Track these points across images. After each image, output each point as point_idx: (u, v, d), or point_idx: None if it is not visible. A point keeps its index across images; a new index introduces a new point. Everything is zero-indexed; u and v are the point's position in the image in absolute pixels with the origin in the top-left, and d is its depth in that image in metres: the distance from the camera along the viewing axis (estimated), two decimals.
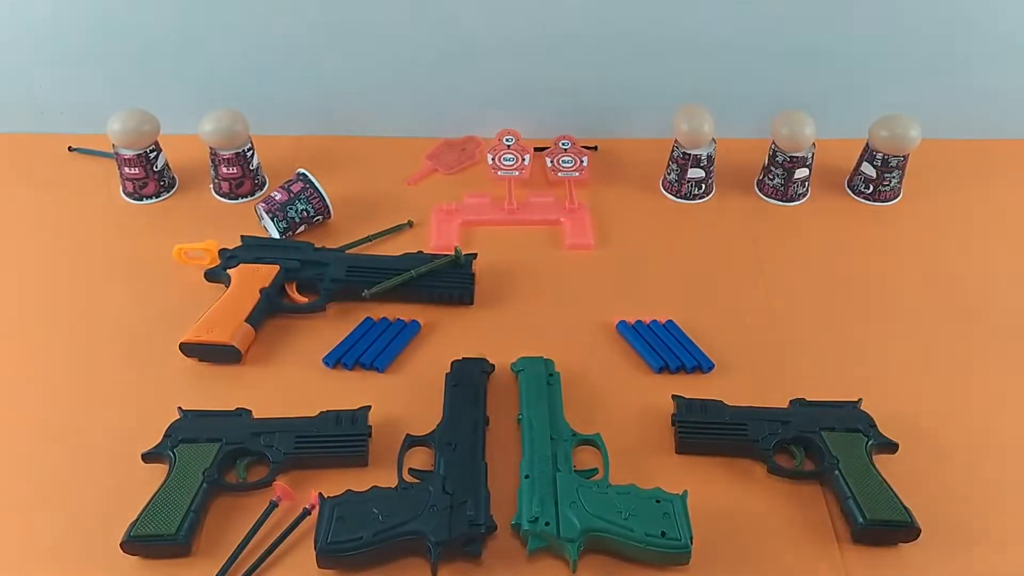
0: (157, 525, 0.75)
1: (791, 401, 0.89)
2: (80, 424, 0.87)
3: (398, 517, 0.75)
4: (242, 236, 1.06)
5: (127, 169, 1.15)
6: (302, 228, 1.12)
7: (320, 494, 0.77)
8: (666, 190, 1.22)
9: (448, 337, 0.98)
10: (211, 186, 1.20)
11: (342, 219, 1.14)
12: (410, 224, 1.14)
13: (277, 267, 1.02)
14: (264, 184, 1.20)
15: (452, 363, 0.92)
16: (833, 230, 1.16)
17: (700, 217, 1.18)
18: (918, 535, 0.77)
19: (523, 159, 1.23)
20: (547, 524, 0.75)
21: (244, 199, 1.18)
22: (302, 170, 1.12)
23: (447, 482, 0.78)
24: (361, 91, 1.27)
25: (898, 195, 1.22)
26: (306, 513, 0.77)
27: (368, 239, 1.11)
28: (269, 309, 0.99)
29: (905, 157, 1.18)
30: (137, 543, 0.74)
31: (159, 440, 0.83)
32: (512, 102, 1.29)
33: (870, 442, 0.84)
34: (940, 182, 1.24)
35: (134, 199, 1.17)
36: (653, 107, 1.27)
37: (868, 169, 1.20)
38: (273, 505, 0.78)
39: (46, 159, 1.24)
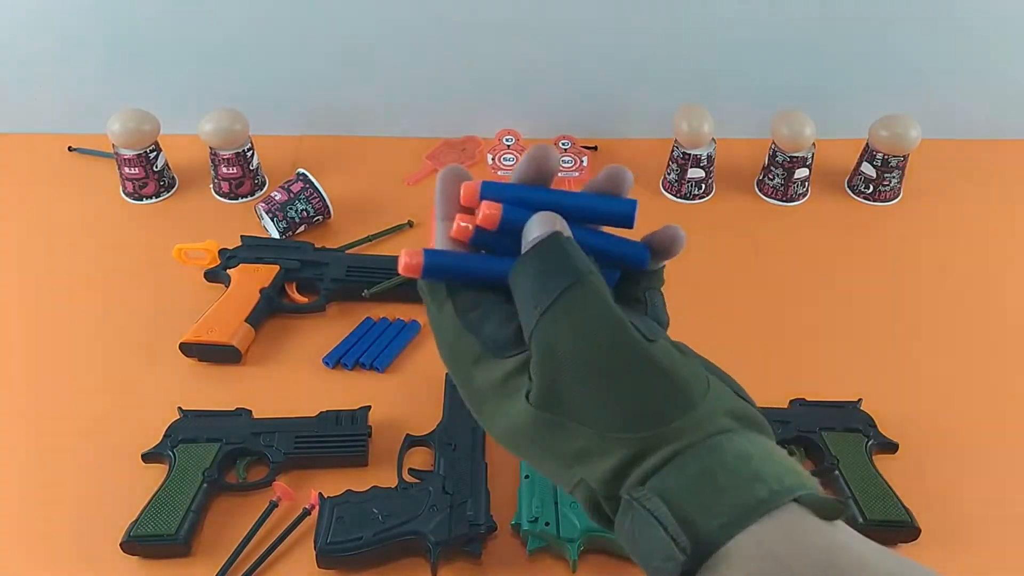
0: (157, 525, 0.75)
1: (791, 401, 0.89)
2: (79, 424, 0.87)
3: (398, 517, 0.75)
4: (242, 236, 1.06)
5: (127, 169, 1.15)
6: (302, 228, 1.12)
7: (320, 494, 0.77)
8: (666, 190, 1.22)
9: None
10: (211, 186, 1.20)
11: (342, 219, 1.14)
12: (410, 224, 1.14)
13: (277, 267, 1.02)
14: (264, 184, 1.20)
15: None
16: (833, 230, 1.16)
17: (700, 217, 1.18)
18: (918, 535, 0.77)
19: None
20: (547, 524, 0.75)
21: (244, 199, 1.18)
22: (302, 170, 1.12)
23: (447, 482, 0.78)
24: (361, 91, 1.27)
25: (898, 195, 1.22)
26: (306, 513, 0.77)
27: (368, 239, 1.10)
28: (269, 309, 0.99)
29: (905, 157, 1.18)
30: (137, 543, 0.74)
31: (159, 440, 0.83)
32: (512, 102, 1.29)
33: (870, 442, 0.84)
34: (940, 182, 1.24)
35: (134, 199, 1.17)
36: (653, 107, 1.27)
37: (868, 169, 1.20)
38: (273, 505, 0.78)
39: (46, 159, 1.24)
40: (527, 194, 0.40)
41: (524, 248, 0.37)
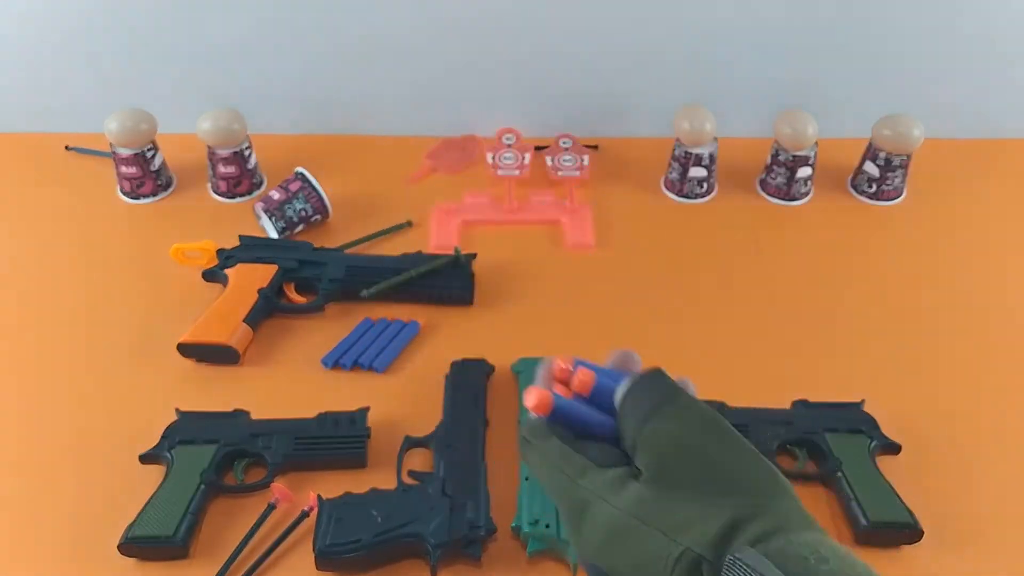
0: (155, 527, 0.74)
1: (794, 402, 0.88)
2: (77, 425, 0.86)
3: (397, 519, 0.74)
4: (240, 236, 1.05)
5: (124, 168, 1.14)
6: (300, 227, 1.11)
7: (319, 496, 0.76)
8: (668, 189, 1.21)
9: (448, 338, 0.97)
10: (209, 185, 1.19)
11: (341, 218, 1.13)
12: (409, 224, 1.13)
13: (275, 267, 1.01)
14: (262, 183, 1.20)
15: (452, 364, 0.91)
16: (836, 229, 1.16)
17: (702, 216, 1.17)
18: (921, 537, 0.77)
19: (523, 158, 1.22)
20: (547, 526, 0.74)
21: (242, 198, 1.17)
22: (300, 169, 1.12)
23: (447, 484, 0.78)
24: (360, 89, 1.27)
25: (901, 194, 1.21)
26: (304, 515, 0.77)
27: (367, 239, 1.10)
28: (267, 309, 0.98)
29: (908, 156, 1.17)
30: (135, 545, 0.74)
31: (156, 441, 0.82)
32: (512, 100, 1.28)
33: (873, 444, 0.83)
34: (943, 181, 1.24)
35: (131, 198, 1.16)
36: (654, 106, 1.27)
37: (871, 168, 1.19)
38: (271, 507, 0.78)
39: (43, 158, 1.24)
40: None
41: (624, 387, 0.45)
